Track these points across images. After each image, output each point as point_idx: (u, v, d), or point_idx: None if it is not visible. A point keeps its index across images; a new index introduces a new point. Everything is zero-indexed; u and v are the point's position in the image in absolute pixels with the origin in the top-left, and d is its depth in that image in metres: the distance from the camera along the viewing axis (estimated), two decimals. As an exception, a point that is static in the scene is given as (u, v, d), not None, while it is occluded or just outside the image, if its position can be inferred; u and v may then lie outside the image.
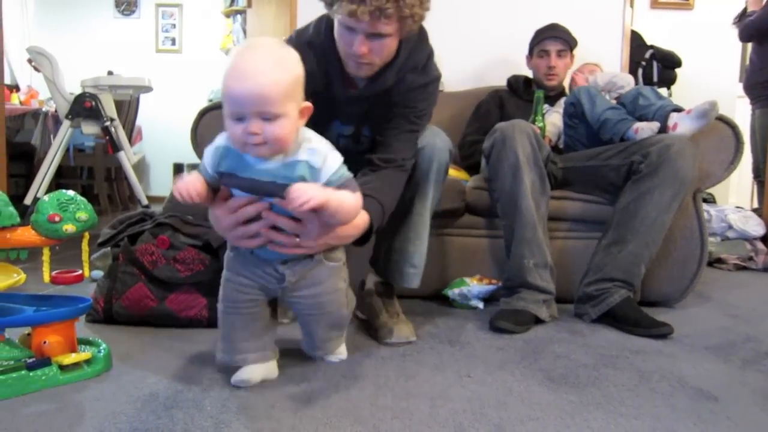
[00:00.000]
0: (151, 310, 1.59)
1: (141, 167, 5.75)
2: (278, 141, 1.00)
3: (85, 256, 1.33)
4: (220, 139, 1.08)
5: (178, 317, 1.59)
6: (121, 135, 3.49)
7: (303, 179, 1.04)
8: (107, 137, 3.35)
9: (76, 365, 1.25)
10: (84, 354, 1.27)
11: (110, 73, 4.37)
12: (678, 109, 1.87)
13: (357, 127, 1.54)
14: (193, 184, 1.06)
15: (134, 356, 1.38)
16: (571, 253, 1.96)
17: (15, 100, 4.85)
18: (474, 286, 1.90)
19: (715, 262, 2.82)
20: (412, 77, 1.46)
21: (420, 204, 1.55)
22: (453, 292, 1.91)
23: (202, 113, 2.00)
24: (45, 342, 1.25)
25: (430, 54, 1.52)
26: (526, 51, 2.44)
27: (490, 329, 1.65)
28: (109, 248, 1.78)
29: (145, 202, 3.48)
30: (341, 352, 1.38)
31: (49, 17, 5.85)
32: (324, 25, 1.42)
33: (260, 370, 1.21)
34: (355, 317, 1.58)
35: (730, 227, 2.93)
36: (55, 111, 3.83)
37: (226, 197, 1.11)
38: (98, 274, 1.98)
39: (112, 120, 3.40)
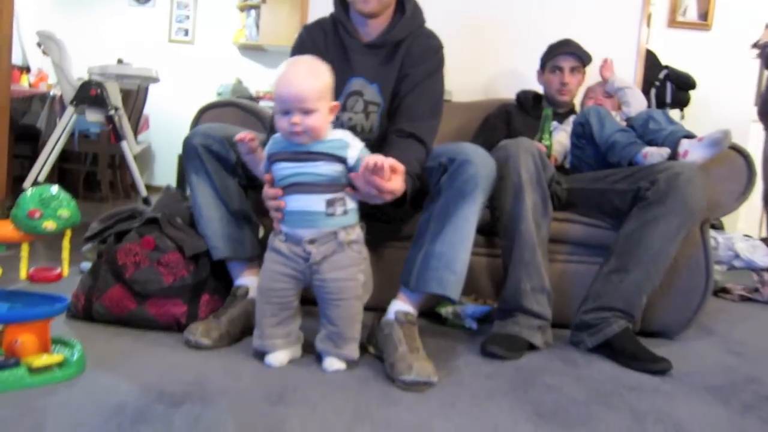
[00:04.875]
0: (130, 312, 1.54)
1: (146, 156, 5.72)
2: (313, 130, 1.31)
3: (65, 254, 1.28)
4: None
5: (157, 321, 1.54)
6: (125, 124, 3.45)
7: (336, 149, 1.33)
8: (111, 126, 3.31)
9: (46, 367, 1.20)
10: (56, 356, 1.23)
11: (120, 61, 4.34)
12: (689, 136, 1.80)
13: (380, 86, 1.69)
14: (247, 133, 1.39)
15: (110, 360, 1.34)
16: (570, 278, 1.89)
17: (24, 82, 4.84)
18: (468, 306, 1.85)
19: (720, 291, 2.74)
20: (424, 38, 1.71)
21: (467, 207, 1.48)
22: (446, 311, 1.85)
23: (203, 110, 1.97)
24: (16, 341, 1.21)
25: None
26: (537, 65, 2.38)
27: (481, 353, 1.59)
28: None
29: (144, 194, 3.45)
30: (341, 364, 1.38)
31: (65, 2, 5.82)
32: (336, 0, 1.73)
33: (286, 354, 1.40)
34: (363, 351, 1.49)
35: (737, 256, 2.86)
36: (62, 96, 3.80)
37: (270, 180, 1.39)
38: (87, 266, 1.94)
39: (116, 109, 3.37)
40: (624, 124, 2.02)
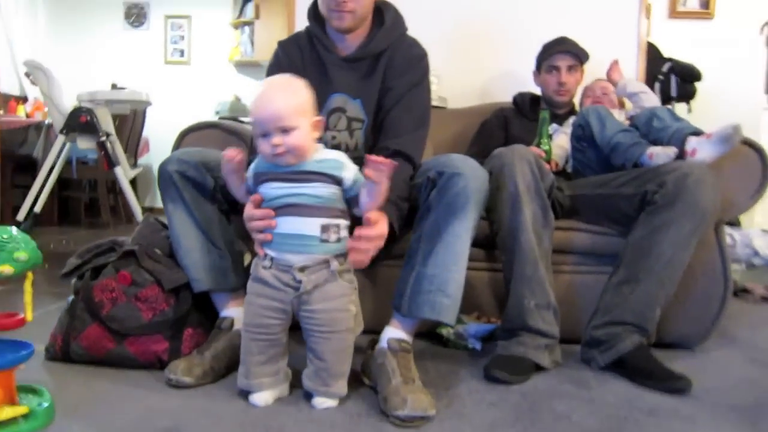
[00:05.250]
0: (109, 352, 1.46)
1: (148, 179, 5.67)
2: (296, 148, 1.23)
3: (27, 297, 1.19)
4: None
5: (138, 360, 1.45)
6: (118, 150, 3.40)
7: (332, 169, 1.25)
8: (103, 152, 3.26)
9: (10, 421, 1.12)
10: (21, 408, 1.15)
11: (114, 86, 4.30)
12: (697, 133, 1.69)
13: (362, 102, 1.62)
14: (237, 150, 1.30)
15: (82, 407, 1.25)
16: (578, 290, 1.78)
17: (21, 112, 4.81)
18: (471, 325, 1.74)
19: (740, 292, 2.60)
20: (406, 47, 1.63)
21: (459, 224, 1.38)
22: (448, 331, 1.74)
23: (184, 134, 1.89)
24: (-22, 393, 1.12)
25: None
26: (532, 65, 2.28)
27: (485, 378, 1.49)
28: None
29: (140, 218, 3.37)
30: (331, 401, 1.29)
31: (60, 29, 5.82)
32: (311, 15, 1.66)
33: (273, 393, 1.31)
34: (355, 381, 1.39)
35: (756, 254, 2.73)
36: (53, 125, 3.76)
37: (258, 201, 1.28)
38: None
39: (108, 135, 3.31)
40: (627, 123, 1.91)
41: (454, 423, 1.22)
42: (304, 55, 1.65)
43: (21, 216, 3.33)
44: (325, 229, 1.23)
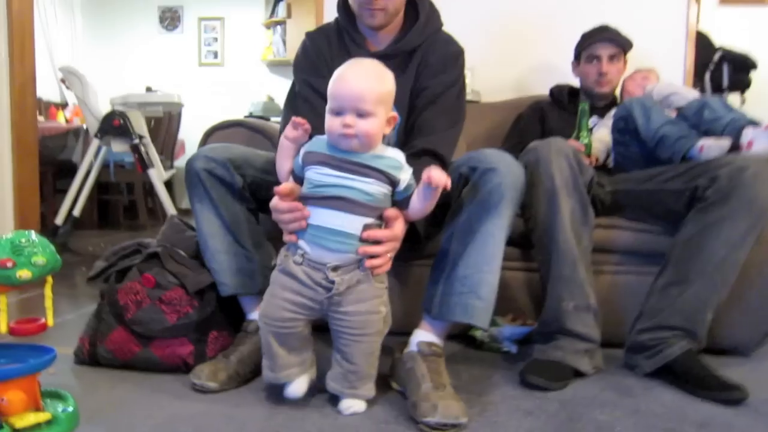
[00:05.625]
0: (135, 356, 1.43)
1: (183, 181, 5.73)
2: (367, 136, 1.16)
3: (48, 303, 1.18)
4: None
5: (163, 364, 1.43)
6: (152, 152, 3.42)
7: (391, 168, 1.19)
8: (136, 155, 3.28)
9: (33, 427, 1.10)
10: (43, 414, 1.12)
11: (149, 89, 4.34)
12: (753, 124, 1.57)
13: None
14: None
15: (105, 413, 1.23)
16: (621, 291, 1.68)
17: (61, 118, 4.90)
18: (506, 327, 1.67)
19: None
20: (441, 44, 1.54)
21: (492, 223, 1.31)
22: (481, 333, 1.68)
23: (209, 133, 1.87)
24: (3, 399, 1.10)
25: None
26: (571, 56, 2.18)
27: (521, 383, 1.41)
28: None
29: (175, 220, 3.39)
30: (359, 405, 1.24)
31: (96, 35, 5.94)
32: (340, 7, 1.57)
33: (304, 380, 1.28)
34: (383, 385, 1.34)
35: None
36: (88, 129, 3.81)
37: (283, 192, 1.19)
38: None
39: (141, 138, 3.33)
40: (674, 114, 1.79)
41: (489, 431, 1.15)
42: (332, 47, 1.58)
43: (60, 220, 3.37)
44: (366, 228, 1.17)
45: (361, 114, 1.15)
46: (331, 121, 1.17)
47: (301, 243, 1.19)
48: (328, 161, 1.18)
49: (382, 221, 1.21)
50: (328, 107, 1.19)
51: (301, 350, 1.27)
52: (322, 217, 1.17)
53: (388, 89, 1.21)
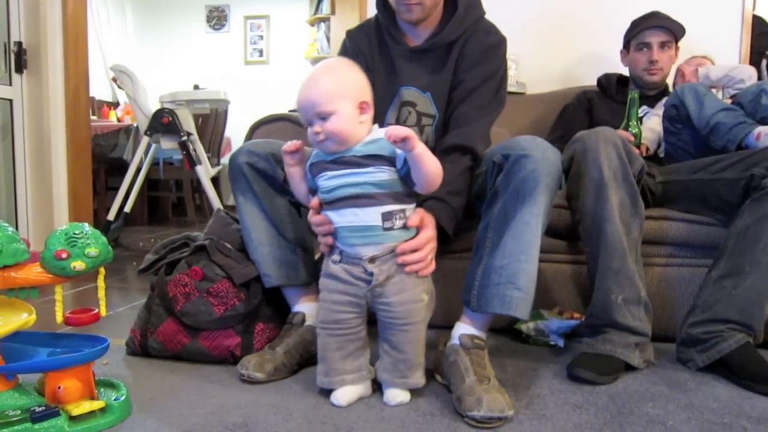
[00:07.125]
0: (184, 347, 1.47)
1: (229, 177, 5.86)
2: (335, 134, 1.17)
3: (101, 293, 1.22)
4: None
5: (211, 355, 1.46)
6: (199, 149, 3.49)
7: (385, 147, 1.18)
8: (184, 152, 3.36)
9: (88, 414, 1.14)
10: (98, 402, 1.16)
11: (196, 86, 4.44)
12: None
13: (432, 95, 1.54)
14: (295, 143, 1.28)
15: (156, 402, 1.26)
16: (672, 284, 1.64)
17: (112, 117, 5.06)
18: (553, 321, 1.63)
19: None
20: (481, 34, 1.51)
21: (528, 210, 1.27)
22: (527, 327, 1.65)
23: (254, 127, 1.90)
24: (59, 387, 1.14)
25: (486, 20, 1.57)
26: (620, 45, 2.12)
27: (568, 377, 1.38)
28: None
29: (222, 216, 3.45)
30: (404, 396, 1.25)
31: (146, 34, 6.11)
32: (379, 3, 1.59)
33: (356, 390, 1.26)
34: (428, 377, 1.33)
35: None
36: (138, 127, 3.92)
37: (317, 206, 1.26)
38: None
39: (189, 134, 3.41)
40: (729, 101, 1.73)
41: (535, 425, 1.14)
42: (372, 44, 1.59)
43: (111, 216, 3.48)
44: (387, 216, 1.18)
45: (323, 117, 1.17)
46: (308, 134, 1.21)
47: (338, 244, 1.23)
48: (327, 167, 1.21)
49: (406, 203, 1.21)
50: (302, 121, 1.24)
51: (358, 356, 1.27)
52: (342, 218, 1.21)
53: (342, 82, 1.20)
